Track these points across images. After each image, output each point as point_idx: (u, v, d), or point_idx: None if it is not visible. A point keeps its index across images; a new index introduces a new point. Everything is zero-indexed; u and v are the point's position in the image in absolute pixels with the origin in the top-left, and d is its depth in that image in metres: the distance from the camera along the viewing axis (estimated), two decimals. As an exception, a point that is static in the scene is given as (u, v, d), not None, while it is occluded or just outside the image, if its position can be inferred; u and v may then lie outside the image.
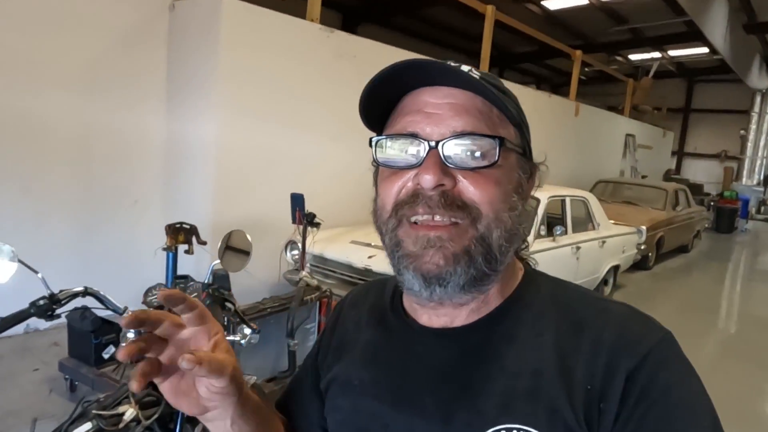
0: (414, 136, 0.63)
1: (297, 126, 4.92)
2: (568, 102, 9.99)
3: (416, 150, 0.63)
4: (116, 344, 3.28)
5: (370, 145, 0.67)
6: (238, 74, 4.45)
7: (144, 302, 1.82)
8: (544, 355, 0.64)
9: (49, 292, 1.62)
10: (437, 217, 0.62)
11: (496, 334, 0.68)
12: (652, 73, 15.15)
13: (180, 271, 3.99)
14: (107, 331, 3.28)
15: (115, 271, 4.40)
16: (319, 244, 4.46)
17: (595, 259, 5.96)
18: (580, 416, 0.60)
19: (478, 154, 0.62)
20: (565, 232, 5.26)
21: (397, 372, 0.71)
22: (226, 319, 1.67)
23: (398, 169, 0.65)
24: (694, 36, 11.01)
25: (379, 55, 5.46)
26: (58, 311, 1.64)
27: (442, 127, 0.62)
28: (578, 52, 9.99)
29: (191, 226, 3.85)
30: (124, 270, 4.37)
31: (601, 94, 16.50)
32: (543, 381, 0.62)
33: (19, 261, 1.61)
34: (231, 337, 1.86)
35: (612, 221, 6.64)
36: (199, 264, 4.48)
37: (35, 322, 4.46)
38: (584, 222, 5.88)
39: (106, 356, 3.25)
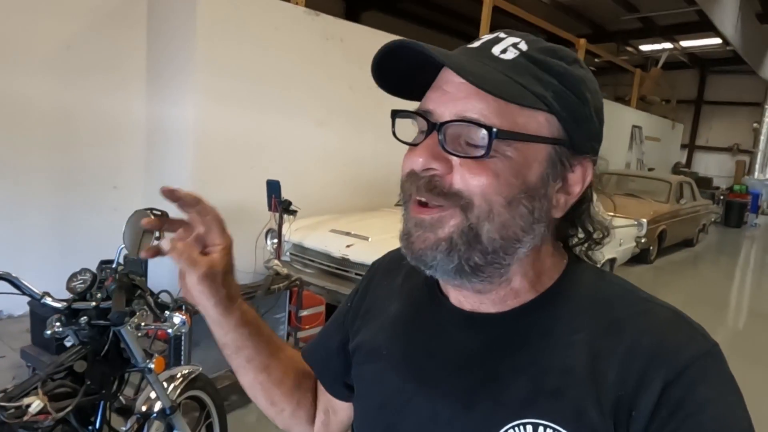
0: (428, 113, 0.61)
1: (280, 111, 4.81)
2: (571, 92, 9.75)
3: (423, 128, 0.61)
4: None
5: (392, 119, 0.65)
6: (217, 59, 4.35)
7: (68, 288, 1.73)
8: (577, 354, 0.61)
9: (-45, 275, 1.52)
10: (423, 199, 0.60)
11: (528, 327, 0.65)
12: (661, 63, 14.84)
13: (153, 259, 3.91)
14: (71, 317, 3.20)
15: (96, 257, 4.32)
16: (299, 232, 4.36)
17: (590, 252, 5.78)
18: (608, 421, 0.57)
19: (471, 142, 0.58)
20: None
21: (425, 349, 0.70)
22: (137, 305, 1.56)
23: (411, 146, 0.63)
24: (706, 26, 10.71)
25: (367, 39, 5.31)
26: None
27: (449, 108, 0.59)
28: (582, 41, 9.75)
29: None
30: (102, 254, 4.29)
31: (611, 84, 16.22)
32: (572, 380, 0.59)
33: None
34: (158, 325, 1.76)
35: (611, 213, 6.46)
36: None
37: (10, 308, 4.43)
38: (579, 214, 5.71)
39: (68, 344, 3.17)
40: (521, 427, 0.60)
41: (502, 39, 0.63)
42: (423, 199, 0.60)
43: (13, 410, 1.47)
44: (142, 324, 1.73)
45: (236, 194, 4.49)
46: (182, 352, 2.79)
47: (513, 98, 0.57)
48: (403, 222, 0.64)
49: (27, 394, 1.51)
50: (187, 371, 2.20)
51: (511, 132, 0.58)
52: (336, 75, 5.22)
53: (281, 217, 3.92)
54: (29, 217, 4.21)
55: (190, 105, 4.36)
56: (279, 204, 3.85)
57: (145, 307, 1.59)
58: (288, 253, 4.40)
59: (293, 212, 3.92)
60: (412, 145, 0.63)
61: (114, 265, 1.56)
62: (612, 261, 6.37)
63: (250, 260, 4.04)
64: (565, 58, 0.63)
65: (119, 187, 4.64)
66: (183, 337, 2.80)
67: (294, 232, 4.31)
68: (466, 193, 0.59)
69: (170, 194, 0.67)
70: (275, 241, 4.12)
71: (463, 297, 0.69)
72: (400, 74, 0.63)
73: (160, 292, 3.01)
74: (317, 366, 0.88)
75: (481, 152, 0.58)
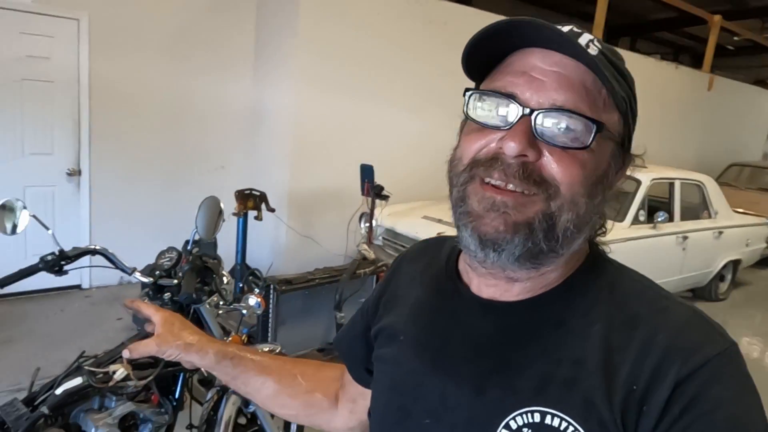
0: (511, 97, 0.61)
1: (377, 96, 4.81)
2: (700, 74, 8.87)
3: (508, 113, 0.61)
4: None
5: (464, 95, 0.66)
6: (317, 43, 4.42)
7: (156, 265, 1.84)
8: (590, 346, 0.61)
9: (58, 248, 1.67)
10: (510, 186, 0.60)
11: (543, 316, 0.65)
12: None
13: (251, 237, 4.11)
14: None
15: (199, 232, 4.63)
16: (391, 217, 4.37)
17: (708, 252, 5.28)
18: (617, 415, 0.57)
19: (571, 133, 0.59)
20: (670, 219, 4.68)
21: (440, 335, 0.71)
22: (210, 285, 1.62)
23: (485, 127, 0.63)
24: None
25: (472, 22, 5.14)
26: (66, 267, 1.69)
27: (542, 96, 0.60)
28: (717, 18, 8.80)
29: (261, 192, 3.92)
30: (207, 231, 4.59)
31: (753, 66, 14.54)
32: (584, 371, 0.59)
33: (32, 216, 1.66)
34: (234, 306, 1.83)
35: (739, 210, 5.84)
36: (278, 230, 4.60)
37: (128, 278, 4.87)
38: (697, 209, 5.22)
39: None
40: (529, 415, 0.61)
41: (579, 32, 0.63)
42: (499, 183, 0.60)
43: (101, 375, 1.60)
44: (221, 303, 1.81)
45: (331, 178, 4.58)
46: (269, 330, 2.91)
47: (616, 97, 0.60)
48: (466, 202, 0.63)
49: (114, 362, 1.63)
50: (267, 348, 2.27)
51: (608, 129, 0.61)
52: (435, 60, 5.11)
53: (373, 202, 3.94)
54: (142, 193, 4.57)
55: (290, 88, 4.48)
56: (372, 189, 3.88)
57: (217, 290, 1.65)
58: (380, 238, 4.43)
59: (385, 197, 3.92)
60: (491, 128, 0.63)
61: (189, 247, 1.62)
62: (736, 263, 5.77)
63: (342, 243, 4.12)
64: (622, 59, 0.65)
65: (226, 166, 4.91)
66: (270, 315, 2.92)
67: (386, 217, 4.33)
68: (555, 182, 0.59)
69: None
70: (367, 225, 4.16)
71: (486, 285, 0.69)
72: (487, 55, 0.64)
73: (249, 273, 3.16)
74: (343, 352, 0.92)
75: (581, 144, 0.59)
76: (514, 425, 0.61)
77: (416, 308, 0.77)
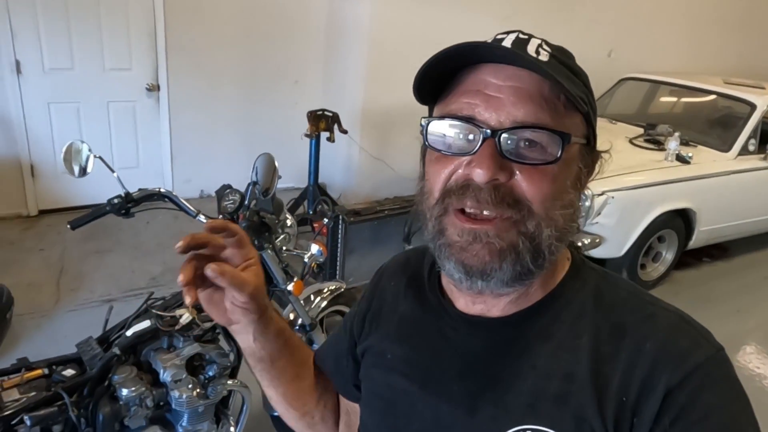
0: (470, 120, 0.59)
1: (460, 4, 4.42)
2: None
3: (471, 136, 0.59)
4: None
5: (421, 125, 0.64)
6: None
7: (219, 208, 1.81)
8: (579, 358, 0.61)
9: (124, 191, 1.66)
10: (485, 212, 0.59)
11: (532, 331, 0.65)
12: None
13: (324, 157, 4.05)
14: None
15: (273, 148, 4.63)
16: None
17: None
18: (610, 427, 0.57)
19: (538, 149, 0.58)
20: (787, 150, 4.16)
21: (429, 353, 0.71)
22: (265, 245, 1.58)
23: (449, 154, 0.61)
24: None
25: None
26: (133, 210, 1.69)
27: (502, 114, 0.58)
28: None
29: (333, 113, 3.81)
30: (282, 148, 4.56)
31: None
32: (574, 386, 0.60)
33: (99, 158, 1.65)
34: (296, 252, 1.79)
35: None
36: (350, 150, 4.52)
37: (210, 190, 5.03)
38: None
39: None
40: None
41: (526, 38, 0.61)
42: (474, 211, 0.59)
43: (168, 318, 1.64)
44: (284, 248, 1.78)
45: (407, 96, 4.34)
46: (337, 259, 2.91)
47: (575, 100, 0.58)
48: (445, 235, 0.61)
49: (179, 306, 1.66)
50: (334, 287, 2.27)
51: (572, 137, 0.59)
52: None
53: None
54: (223, 103, 4.57)
55: (368, 1, 4.20)
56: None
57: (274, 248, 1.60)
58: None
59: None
60: (455, 154, 0.60)
61: (246, 203, 1.57)
62: None
63: (415, 168, 3.99)
64: (572, 57, 0.64)
65: (300, 82, 4.79)
66: (339, 246, 2.92)
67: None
68: (527, 201, 0.58)
69: (196, 242, 0.65)
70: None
71: (473, 303, 0.68)
72: (437, 77, 0.62)
73: (322, 195, 3.12)
74: (329, 370, 0.89)
75: (550, 157, 0.58)
76: None
77: (402, 326, 0.76)
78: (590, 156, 0.65)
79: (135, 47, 4.09)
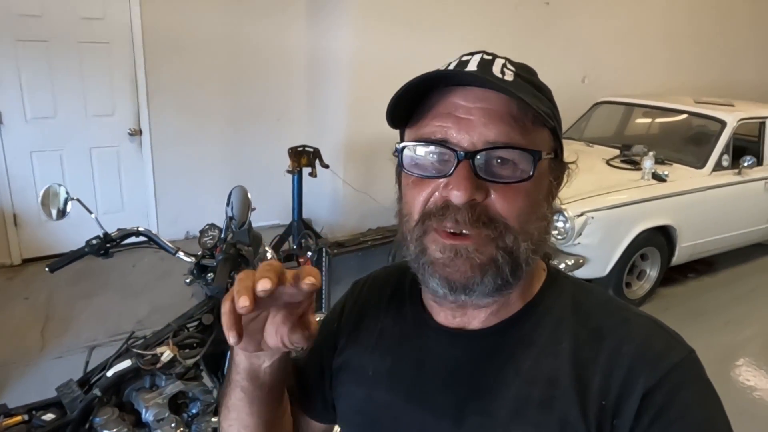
0: (443, 143, 0.61)
1: (438, 38, 4.54)
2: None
3: (446, 159, 0.61)
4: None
5: (395, 152, 0.66)
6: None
7: (199, 243, 1.83)
8: (561, 363, 0.63)
9: (103, 232, 1.68)
10: (464, 231, 0.60)
11: (513, 339, 0.67)
12: None
13: (308, 192, 4.08)
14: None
15: (258, 185, 4.66)
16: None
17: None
18: (592, 430, 0.59)
19: (510, 166, 0.61)
20: (759, 164, 4.26)
21: (412, 366, 0.72)
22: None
23: (426, 177, 0.63)
24: None
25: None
26: (112, 250, 1.70)
27: (474, 135, 0.60)
28: None
29: (314, 149, 3.86)
30: (266, 185, 4.61)
31: None
32: (558, 391, 0.62)
33: (77, 200, 1.67)
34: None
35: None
36: (334, 185, 4.56)
37: (195, 230, 5.03)
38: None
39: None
40: None
41: (490, 58, 0.64)
42: (465, 231, 0.60)
43: (149, 357, 1.63)
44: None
45: (389, 129, 4.43)
46: (323, 290, 2.92)
47: (542, 115, 0.60)
48: (427, 253, 0.63)
49: (161, 344, 1.66)
50: (319, 318, 2.27)
51: (542, 153, 0.62)
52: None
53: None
54: (201, 148, 4.61)
55: (347, 35, 4.32)
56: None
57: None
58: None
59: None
60: (431, 177, 0.63)
61: (222, 235, 1.59)
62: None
63: (397, 197, 4.04)
64: (535, 73, 0.67)
65: (283, 118, 4.86)
66: (324, 278, 2.92)
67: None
68: (502, 218, 0.61)
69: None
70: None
71: (455, 315, 0.69)
72: (407, 101, 0.64)
73: (306, 229, 3.12)
74: (294, 394, 0.83)
75: (524, 175, 0.61)
76: None
77: (384, 339, 0.76)
78: (559, 168, 0.68)
79: (117, 92, 4.15)
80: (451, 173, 0.60)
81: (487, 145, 0.60)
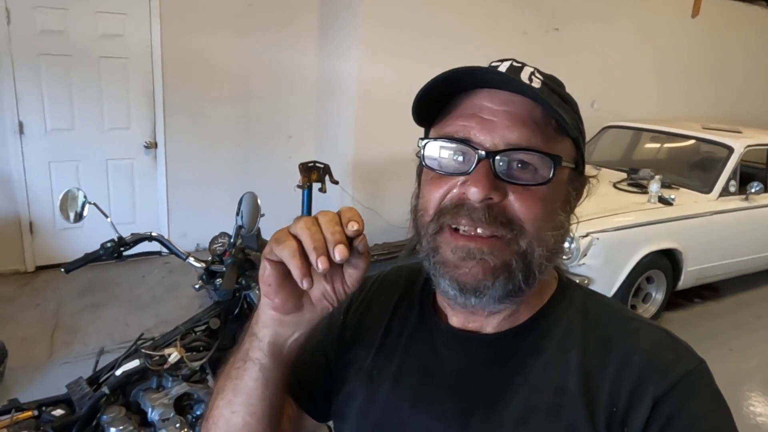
0: (466, 142, 0.61)
1: (448, 64, 4.62)
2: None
3: (466, 157, 0.62)
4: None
5: (418, 145, 0.66)
6: (382, 11, 4.32)
7: (209, 250, 1.89)
8: (569, 372, 0.63)
9: (117, 235, 1.74)
10: (479, 230, 0.60)
11: (523, 347, 0.67)
12: None
13: (317, 209, 4.14)
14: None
15: (269, 202, 4.74)
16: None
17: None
18: None
19: (530, 170, 0.61)
20: (766, 190, 4.27)
21: (419, 370, 0.71)
22: (252, 284, 1.64)
23: (445, 174, 0.63)
24: None
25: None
26: (126, 253, 1.76)
27: (496, 137, 0.60)
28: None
29: (324, 165, 3.93)
30: (276, 202, 4.67)
31: None
32: (565, 399, 0.61)
33: (93, 204, 1.73)
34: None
35: None
36: (343, 201, 4.62)
37: (205, 243, 5.11)
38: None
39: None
40: None
41: (520, 66, 0.64)
42: (468, 230, 0.60)
43: (157, 358, 1.68)
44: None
45: (396, 148, 4.50)
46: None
47: (563, 123, 0.60)
48: (439, 253, 0.63)
49: (168, 345, 1.71)
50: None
51: (562, 160, 0.62)
52: (507, 20, 4.86)
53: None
54: (214, 163, 4.71)
55: (354, 58, 4.42)
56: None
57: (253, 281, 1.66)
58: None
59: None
60: (451, 174, 0.62)
61: (232, 240, 1.64)
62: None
63: (405, 216, 4.08)
64: (563, 85, 0.67)
65: (293, 137, 4.95)
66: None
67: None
68: (519, 221, 0.61)
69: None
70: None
71: (466, 319, 0.69)
72: (433, 100, 0.65)
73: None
74: (294, 388, 0.77)
75: (542, 179, 0.60)
76: None
77: (391, 341, 0.75)
78: (579, 180, 0.68)
79: (134, 107, 4.26)
80: (471, 171, 0.60)
81: (508, 147, 0.60)
